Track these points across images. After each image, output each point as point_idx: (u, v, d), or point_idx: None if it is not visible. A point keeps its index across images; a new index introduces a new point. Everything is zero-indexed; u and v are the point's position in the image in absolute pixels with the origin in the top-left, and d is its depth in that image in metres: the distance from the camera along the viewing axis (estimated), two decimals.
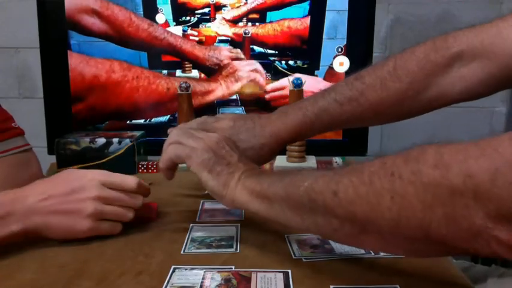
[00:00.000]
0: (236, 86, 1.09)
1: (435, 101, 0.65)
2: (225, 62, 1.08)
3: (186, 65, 1.10)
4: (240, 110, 1.10)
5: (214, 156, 0.56)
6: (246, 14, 1.08)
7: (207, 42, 1.09)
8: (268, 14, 1.08)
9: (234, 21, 1.08)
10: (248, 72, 1.09)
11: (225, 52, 1.08)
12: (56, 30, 1.05)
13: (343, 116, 0.66)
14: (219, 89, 1.09)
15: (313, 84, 1.07)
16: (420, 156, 0.36)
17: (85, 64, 1.06)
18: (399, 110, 0.67)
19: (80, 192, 0.57)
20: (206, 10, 1.08)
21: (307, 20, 1.07)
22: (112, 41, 1.06)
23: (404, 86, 0.65)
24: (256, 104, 1.09)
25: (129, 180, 0.61)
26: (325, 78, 1.09)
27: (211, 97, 1.09)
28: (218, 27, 1.08)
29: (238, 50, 1.08)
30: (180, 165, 0.63)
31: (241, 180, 0.54)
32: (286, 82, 1.00)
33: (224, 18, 1.08)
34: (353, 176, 0.40)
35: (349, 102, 0.67)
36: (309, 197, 0.44)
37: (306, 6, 1.07)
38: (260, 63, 1.09)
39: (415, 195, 0.35)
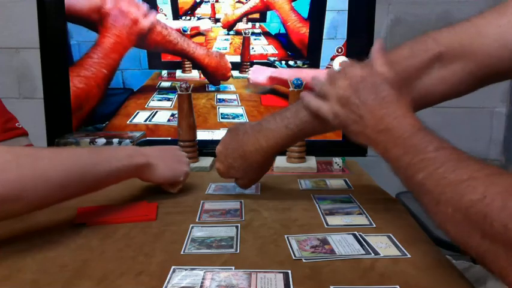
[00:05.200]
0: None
1: (419, 101, 0.65)
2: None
3: (186, 65, 1.10)
4: (240, 109, 1.10)
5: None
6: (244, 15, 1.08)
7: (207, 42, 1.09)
8: (269, 13, 1.08)
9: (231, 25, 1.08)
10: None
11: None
12: (56, 30, 1.05)
13: (328, 126, 0.67)
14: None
15: None
16: None
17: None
18: None
19: (180, 155, 0.80)
20: (206, 10, 1.08)
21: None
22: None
23: None
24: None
25: None
26: None
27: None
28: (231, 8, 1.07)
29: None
30: None
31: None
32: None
33: (240, 1, 1.07)
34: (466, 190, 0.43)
35: None
36: (420, 188, 0.48)
37: (306, 6, 1.07)
38: (260, 63, 1.09)
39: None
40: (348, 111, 0.60)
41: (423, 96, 0.65)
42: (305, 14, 1.07)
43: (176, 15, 1.07)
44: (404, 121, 0.55)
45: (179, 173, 0.77)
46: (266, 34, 1.08)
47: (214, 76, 1.09)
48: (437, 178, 0.46)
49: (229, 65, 1.09)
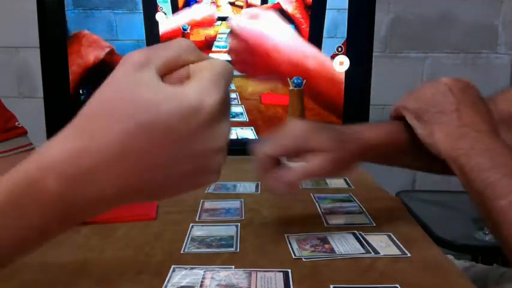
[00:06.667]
0: None
1: None
2: None
3: None
4: (240, 108, 1.10)
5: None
6: None
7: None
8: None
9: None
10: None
11: None
12: (56, 30, 1.05)
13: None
14: None
15: None
16: None
17: None
18: None
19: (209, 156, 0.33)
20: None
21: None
22: None
23: None
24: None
25: None
26: None
27: None
28: None
29: None
30: None
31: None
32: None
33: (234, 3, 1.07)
34: None
35: None
36: (501, 215, 0.44)
37: None
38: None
39: None
40: (442, 99, 0.52)
41: None
42: None
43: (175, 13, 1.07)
44: (498, 138, 0.48)
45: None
46: None
47: None
48: None
49: None
